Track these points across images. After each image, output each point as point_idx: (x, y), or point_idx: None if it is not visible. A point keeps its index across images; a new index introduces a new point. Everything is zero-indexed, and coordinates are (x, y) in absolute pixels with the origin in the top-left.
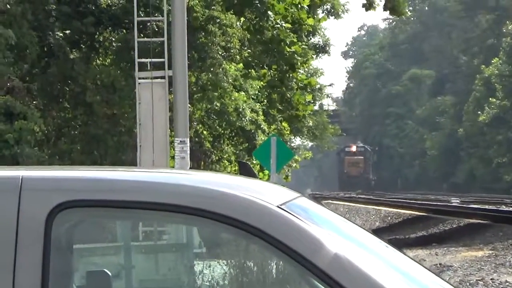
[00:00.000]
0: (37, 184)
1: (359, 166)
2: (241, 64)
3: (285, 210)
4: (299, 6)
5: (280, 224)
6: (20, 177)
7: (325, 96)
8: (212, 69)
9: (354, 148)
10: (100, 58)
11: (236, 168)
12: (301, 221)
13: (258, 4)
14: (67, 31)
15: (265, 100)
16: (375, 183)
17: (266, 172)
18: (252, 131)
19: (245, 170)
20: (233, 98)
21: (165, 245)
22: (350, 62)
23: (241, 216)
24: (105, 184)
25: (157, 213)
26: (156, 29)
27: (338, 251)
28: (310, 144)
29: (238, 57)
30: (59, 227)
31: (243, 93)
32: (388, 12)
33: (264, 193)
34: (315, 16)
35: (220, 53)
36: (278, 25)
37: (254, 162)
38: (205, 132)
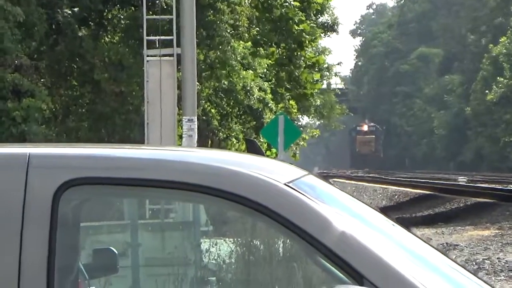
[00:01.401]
0: (44, 161)
1: (370, 145)
2: (249, 42)
3: (292, 188)
4: None
5: (287, 202)
6: (27, 154)
7: (333, 74)
8: (220, 47)
9: (365, 127)
10: (109, 36)
11: (244, 146)
12: (308, 199)
13: None
14: (76, 9)
15: (273, 79)
16: (383, 162)
17: (274, 150)
18: (260, 109)
19: (252, 148)
20: (241, 77)
21: (172, 223)
22: (358, 41)
23: (248, 193)
24: (112, 162)
25: (164, 190)
26: (165, 7)
27: (345, 230)
28: (318, 122)
29: (246, 35)
30: (66, 205)
31: (251, 71)
32: None
33: (271, 171)
34: None
35: (228, 31)
36: (287, 3)
37: (262, 140)
38: (213, 110)
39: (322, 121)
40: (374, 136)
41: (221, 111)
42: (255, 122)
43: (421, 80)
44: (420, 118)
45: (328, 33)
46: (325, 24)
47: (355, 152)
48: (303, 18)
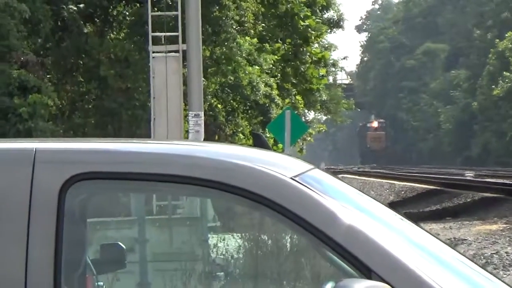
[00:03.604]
0: (51, 156)
1: (381, 141)
2: (255, 39)
3: (299, 182)
4: None
5: (294, 195)
6: (34, 149)
7: (340, 69)
8: (226, 43)
9: (376, 124)
10: (114, 32)
11: (251, 142)
12: (315, 193)
13: None
14: (81, 5)
15: (279, 74)
16: (390, 157)
17: (280, 146)
18: (267, 104)
19: (259, 142)
20: (247, 72)
21: (179, 219)
22: (364, 36)
23: (255, 188)
24: (119, 156)
25: (171, 185)
26: (170, 3)
27: (353, 223)
28: (324, 118)
29: (252, 31)
30: (73, 200)
31: (257, 67)
32: None
33: (278, 165)
34: None
35: (234, 27)
36: None
37: (268, 135)
38: (219, 105)
39: (328, 116)
40: (384, 132)
41: (228, 106)
42: (261, 117)
43: (427, 75)
44: (426, 113)
45: (334, 29)
46: (331, 20)
47: (365, 148)
48: (309, 14)
